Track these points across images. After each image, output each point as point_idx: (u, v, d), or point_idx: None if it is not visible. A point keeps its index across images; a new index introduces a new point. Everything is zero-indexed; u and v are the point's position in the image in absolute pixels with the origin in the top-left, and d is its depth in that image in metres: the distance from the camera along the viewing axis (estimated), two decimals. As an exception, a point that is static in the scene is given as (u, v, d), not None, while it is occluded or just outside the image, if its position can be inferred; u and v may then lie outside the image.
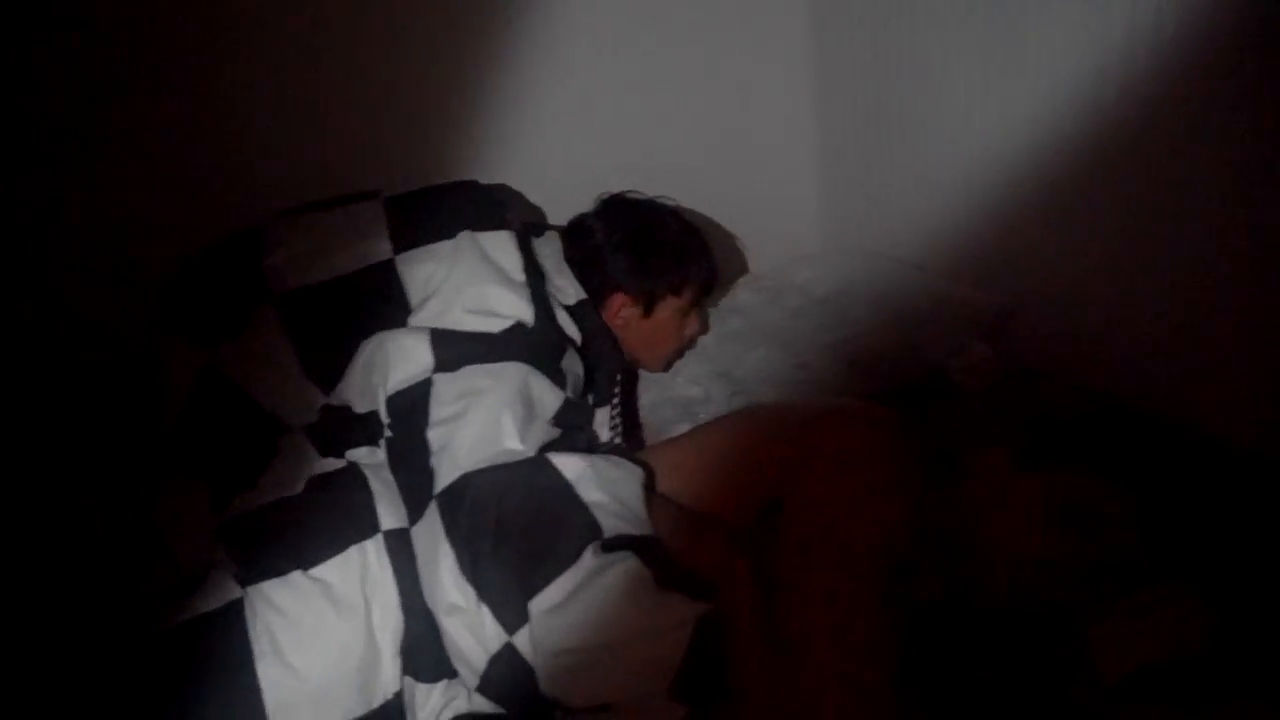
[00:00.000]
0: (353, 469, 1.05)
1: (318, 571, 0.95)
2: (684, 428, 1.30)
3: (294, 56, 1.38)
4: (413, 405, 1.05)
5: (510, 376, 1.05)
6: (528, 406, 1.04)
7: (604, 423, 1.24)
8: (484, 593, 0.90)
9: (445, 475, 0.96)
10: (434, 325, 1.12)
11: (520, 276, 1.18)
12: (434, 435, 1.01)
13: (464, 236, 1.19)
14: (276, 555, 0.96)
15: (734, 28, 1.62)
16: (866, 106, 1.58)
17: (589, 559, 0.88)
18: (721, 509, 1.01)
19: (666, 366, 1.43)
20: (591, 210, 1.39)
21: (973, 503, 0.98)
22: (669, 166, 1.53)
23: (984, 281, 1.40)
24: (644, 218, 1.37)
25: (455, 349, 1.08)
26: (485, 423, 1.00)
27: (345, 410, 1.12)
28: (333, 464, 1.07)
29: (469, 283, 1.15)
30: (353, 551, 0.96)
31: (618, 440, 1.24)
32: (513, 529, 0.92)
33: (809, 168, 1.76)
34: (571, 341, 1.19)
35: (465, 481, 0.95)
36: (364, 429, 1.10)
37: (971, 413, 1.22)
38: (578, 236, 1.35)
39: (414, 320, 1.14)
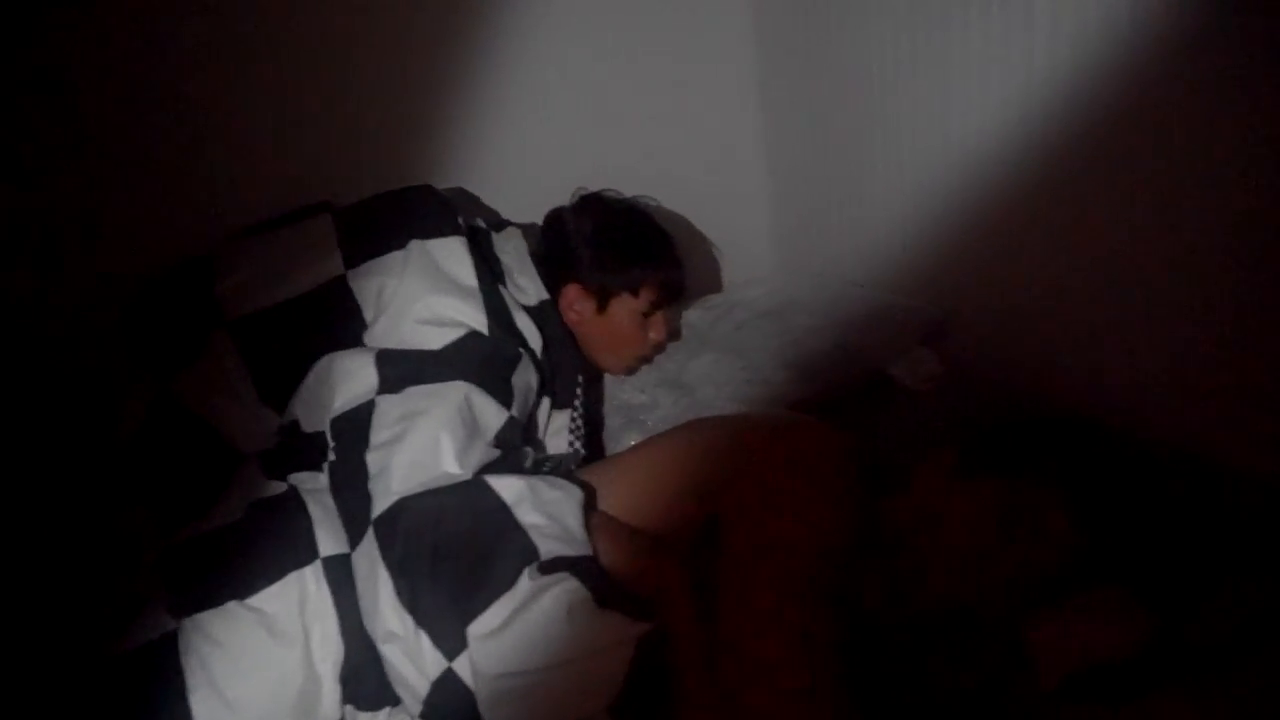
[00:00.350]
0: (292, 493, 1.03)
1: (255, 600, 0.94)
2: (632, 435, 1.31)
3: (270, 66, 1.37)
4: (354, 428, 1.04)
5: (451, 396, 1.04)
6: (469, 426, 1.03)
7: (564, 426, 1.23)
8: (421, 619, 0.89)
9: (381, 500, 0.95)
10: (382, 345, 1.11)
11: (472, 283, 1.17)
12: (372, 459, 1.00)
13: (414, 246, 1.18)
14: (212, 585, 0.94)
15: (680, 54, 1.65)
16: (811, 133, 1.61)
17: (525, 582, 0.88)
18: (663, 525, 1.00)
19: (630, 370, 1.42)
20: (568, 204, 1.40)
21: (914, 508, 0.99)
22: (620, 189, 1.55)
23: (928, 294, 1.43)
24: (613, 215, 1.37)
25: (400, 368, 1.07)
26: (422, 446, 0.99)
27: (294, 429, 1.11)
28: (275, 488, 1.06)
29: (420, 294, 1.14)
30: (291, 579, 0.95)
31: (578, 444, 1.24)
32: (449, 553, 0.91)
33: (758, 193, 1.80)
34: (528, 348, 1.19)
35: (400, 506, 0.94)
36: (310, 451, 1.09)
37: (915, 417, 1.23)
38: (549, 227, 1.38)
39: (367, 337, 1.13)
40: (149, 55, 1.29)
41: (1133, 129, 1.05)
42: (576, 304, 1.33)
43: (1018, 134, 1.19)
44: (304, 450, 1.09)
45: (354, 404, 1.06)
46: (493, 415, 1.06)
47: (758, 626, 0.88)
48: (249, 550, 0.96)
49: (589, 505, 1.01)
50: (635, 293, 1.33)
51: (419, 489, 0.95)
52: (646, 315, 1.36)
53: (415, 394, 1.05)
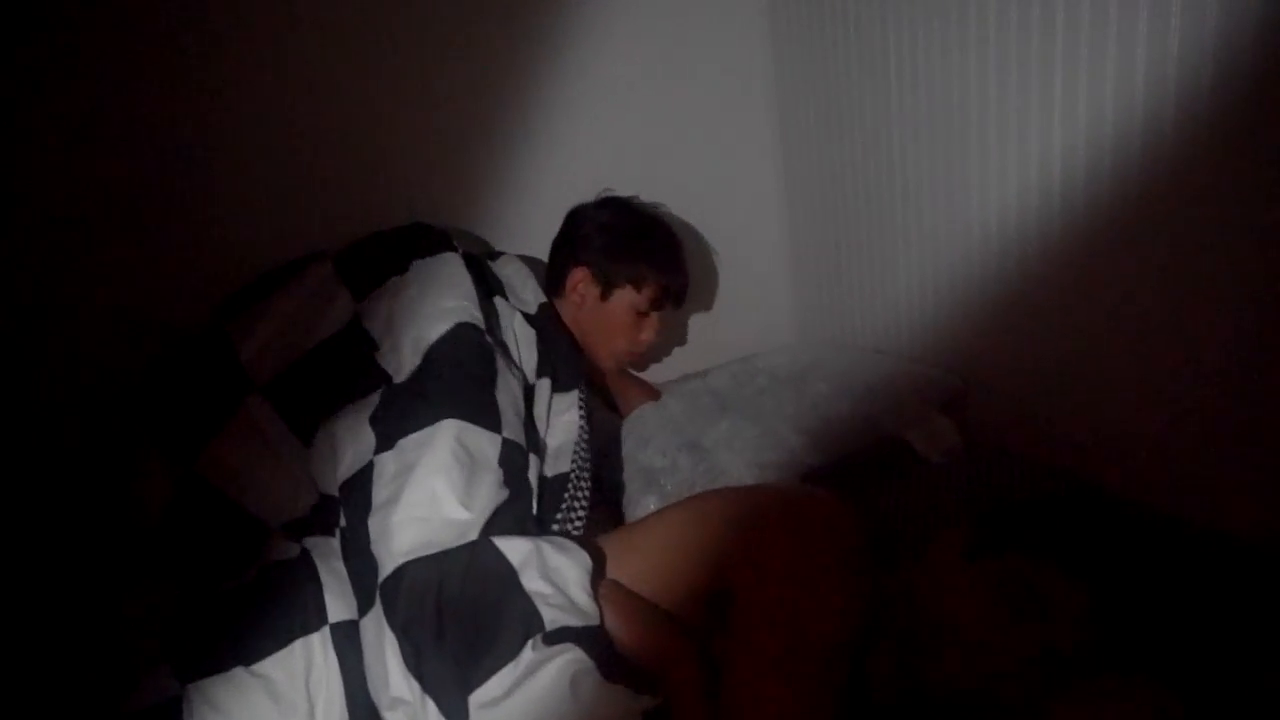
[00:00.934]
0: (304, 558, 1.03)
1: (260, 667, 0.94)
2: (650, 499, 1.30)
3: (263, 99, 1.41)
4: (359, 492, 1.03)
5: (440, 441, 1.02)
6: (465, 465, 1.01)
7: (573, 404, 1.25)
8: (427, 685, 0.88)
9: (385, 565, 0.95)
10: (388, 366, 1.11)
11: (467, 285, 1.19)
12: (373, 523, 0.99)
13: (413, 266, 1.21)
14: (219, 650, 0.94)
15: (702, 122, 1.69)
16: (833, 201, 1.63)
17: (529, 653, 0.87)
18: (674, 597, 0.99)
19: (616, 363, 1.48)
20: (592, 201, 1.49)
21: (926, 586, 0.97)
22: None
23: (949, 362, 1.43)
24: (631, 212, 1.46)
25: (390, 423, 1.06)
26: (418, 502, 0.97)
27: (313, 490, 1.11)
28: (289, 551, 1.06)
29: (417, 298, 1.16)
30: (297, 646, 0.95)
31: (585, 424, 1.24)
32: (453, 618, 0.90)
33: (780, 260, 1.84)
34: (509, 356, 1.19)
35: (401, 571, 0.93)
36: (326, 514, 1.09)
37: (932, 488, 1.21)
38: (569, 218, 1.48)
39: (379, 358, 1.13)
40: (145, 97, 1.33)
41: (1154, 201, 1.05)
42: (581, 286, 1.41)
43: (1039, 205, 1.19)
44: (321, 513, 1.09)
45: (357, 467, 1.05)
46: (487, 444, 1.05)
47: (764, 710, 0.86)
48: (257, 615, 0.96)
49: (597, 572, 1.00)
50: (638, 287, 1.41)
51: (423, 548, 0.94)
52: (643, 313, 1.42)
53: (407, 446, 1.03)
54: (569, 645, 0.88)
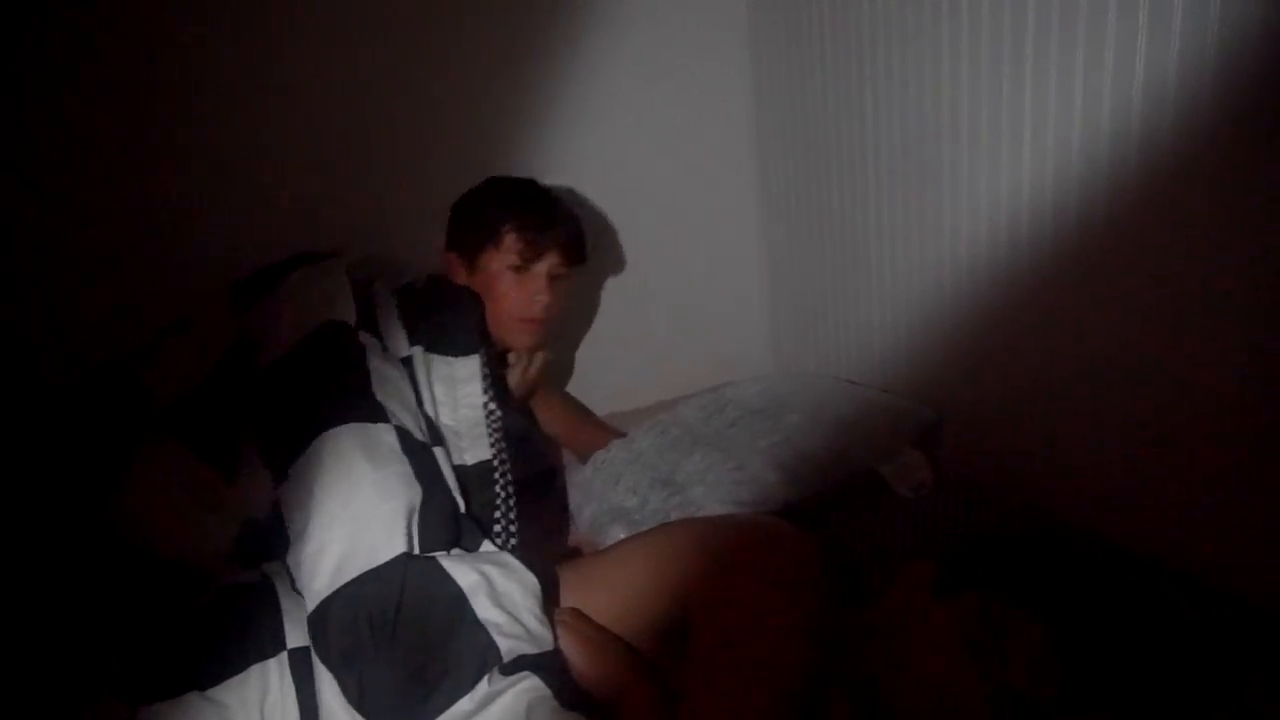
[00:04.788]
0: (264, 583, 1.01)
1: (215, 692, 0.92)
2: (618, 529, 1.29)
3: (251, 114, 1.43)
4: (276, 531, 1.01)
5: (329, 454, 0.98)
6: (365, 468, 0.97)
7: (475, 374, 1.20)
8: (372, 716, 0.86)
9: (310, 603, 0.92)
10: (265, 375, 1.10)
11: (340, 283, 1.19)
12: (291, 561, 0.97)
13: (296, 273, 1.22)
14: (171, 673, 0.92)
15: (681, 151, 1.71)
16: (809, 232, 1.65)
17: (484, 686, 0.86)
18: (635, 626, 0.98)
19: (529, 337, 1.38)
20: None
21: (890, 623, 0.96)
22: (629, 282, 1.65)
23: (923, 395, 1.43)
24: (484, 183, 1.40)
25: (275, 450, 1.03)
26: (324, 529, 0.94)
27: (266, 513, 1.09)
28: (247, 575, 1.04)
29: (299, 295, 1.17)
30: (254, 671, 0.93)
31: (492, 404, 1.19)
32: (397, 645, 0.88)
33: (756, 291, 1.84)
34: (378, 332, 1.18)
35: (324, 608, 0.91)
36: (279, 537, 1.05)
37: (903, 522, 1.21)
38: None
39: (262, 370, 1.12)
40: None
41: (1129, 235, 1.06)
42: (451, 269, 1.37)
43: (1011, 239, 1.20)
44: (272, 535, 1.05)
45: (269, 505, 1.04)
46: (380, 435, 1.02)
47: None
48: (213, 638, 0.95)
49: (547, 594, 0.98)
50: (497, 244, 1.33)
51: (342, 577, 0.91)
52: (520, 270, 1.34)
53: (298, 471, 1.00)
54: (526, 674, 0.87)
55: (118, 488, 1.08)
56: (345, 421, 1.01)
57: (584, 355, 1.75)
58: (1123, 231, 1.06)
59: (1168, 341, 1.04)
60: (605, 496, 1.37)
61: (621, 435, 1.50)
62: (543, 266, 1.35)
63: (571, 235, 1.38)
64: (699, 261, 1.77)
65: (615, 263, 1.72)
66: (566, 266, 1.38)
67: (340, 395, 1.05)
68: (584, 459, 1.49)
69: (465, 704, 0.85)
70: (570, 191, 1.59)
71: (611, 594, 1.00)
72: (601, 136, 1.62)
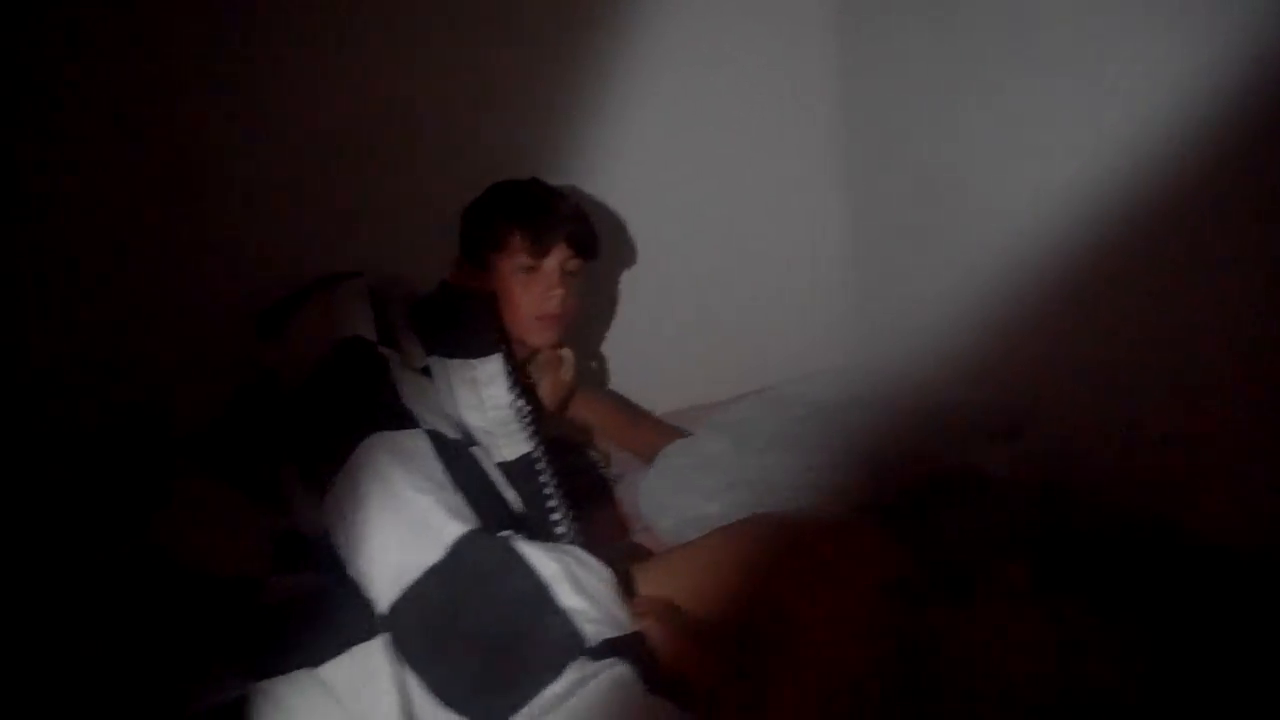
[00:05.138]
0: None
1: (323, 670, 0.96)
2: (691, 533, 1.29)
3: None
4: (327, 549, 1.05)
5: (365, 464, 1.02)
6: (402, 472, 1.01)
7: (499, 373, 1.22)
8: (464, 710, 0.90)
9: (379, 609, 0.96)
10: (292, 398, 1.13)
11: (360, 301, 1.22)
12: (352, 573, 1.00)
13: (312, 298, 1.25)
14: (284, 652, 0.98)
15: (766, 143, 1.69)
16: (896, 225, 1.65)
17: (572, 671, 0.89)
18: (715, 618, 1.01)
19: (542, 335, 1.37)
20: None
21: (976, 628, 0.96)
22: (694, 273, 1.62)
23: (1002, 390, 1.43)
24: (490, 189, 1.39)
25: (314, 467, 1.07)
26: (375, 536, 0.98)
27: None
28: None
29: (319, 316, 1.20)
30: (357, 651, 0.97)
31: (520, 401, 1.21)
32: (473, 642, 0.91)
33: (840, 284, 1.81)
34: (413, 325, 1.22)
35: (394, 613, 0.95)
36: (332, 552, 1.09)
37: (984, 519, 1.21)
38: None
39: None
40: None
41: (1222, 232, 1.05)
42: (463, 276, 1.37)
43: (1099, 232, 1.20)
44: (320, 552, 1.09)
45: (317, 524, 1.08)
46: (411, 441, 1.05)
47: None
48: (320, 620, 0.99)
49: (622, 583, 1.01)
50: (503, 246, 1.33)
51: (402, 581, 0.95)
52: (530, 268, 1.34)
53: (339, 486, 1.03)
54: (614, 660, 0.90)
55: (154, 515, 1.12)
56: (377, 430, 1.04)
57: (646, 350, 1.73)
58: (1220, 227, 1.05)
59: (1261, 331, 1.04)
60: (682, 506, 1.36)
61: (677, 432, 1.51)
62: (552, 262, 1.34)
63: (578, 228, 1.37)
64: (771, 254, 1.74)
65: (678, 256, 1.70)
66: (577, 260, 1.37)
67: (369, 406, 1.08)
68: (641, 458, 1.50)
69: (555, 688, 0.87)
70: (622, 187, 1.60)
71: (692, 586, 1.03)
72: (666, 107, 1.61)
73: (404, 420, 1.07)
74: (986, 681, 0.94)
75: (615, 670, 0.89)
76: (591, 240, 1.39)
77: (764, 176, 1.71)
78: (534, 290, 1.34)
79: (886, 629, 0.94)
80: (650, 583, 1.04)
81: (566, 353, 1.44)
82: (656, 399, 1.71)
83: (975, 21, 1.37)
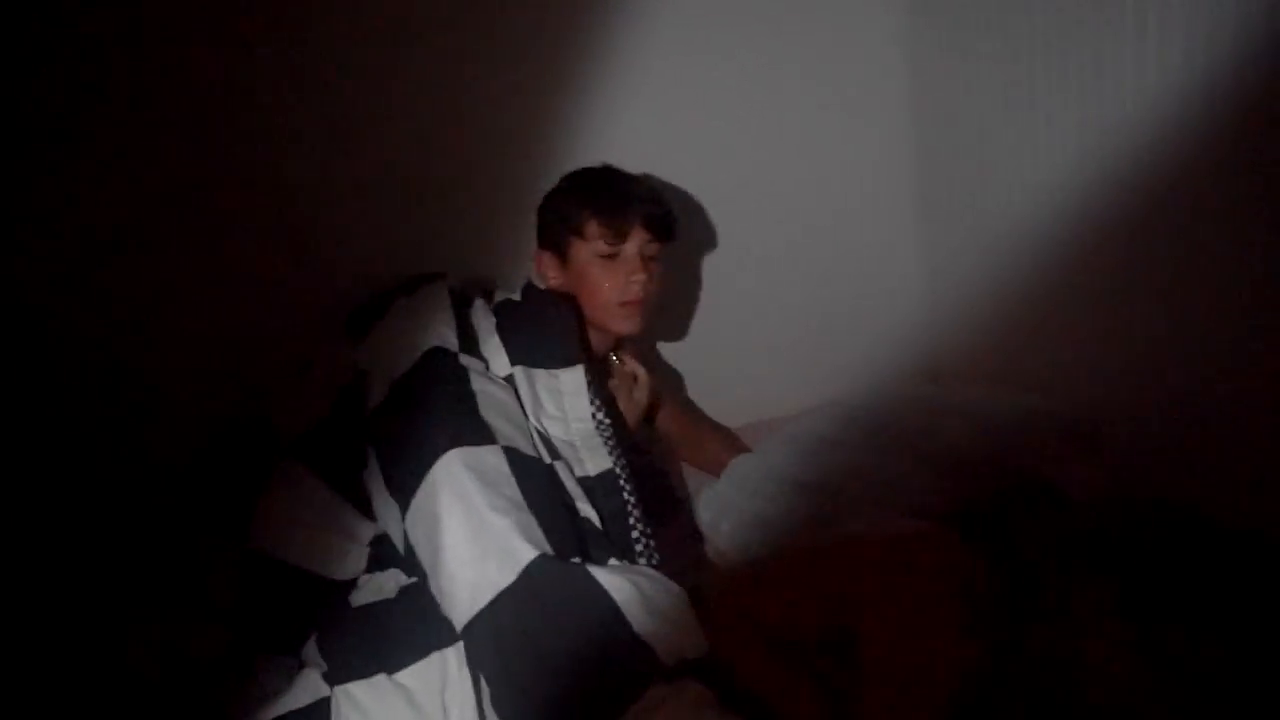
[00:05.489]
0: None
1: (401, 676, 1.00)
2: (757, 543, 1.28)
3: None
4: (411, 563, 1.09)
5: (443, 481, 1.04)
6: (479, 490, 1.02)
7: (581, 386, 1.22)
8: None
9: (458, 625, 0.98)
10: (377, 413, 1.15)
11: (443, 309, 1.23)
12: (434, 588, 1.03)
13: (395, 305, 1.27)
14: (364, 657, 1.01)
15: (837, 144, 1.65)
16: (969, 231, 1.60)
17: (652, 693, 0.88)
18: (792, 634, 0.99)
19: (626, 322, 1.34)
20: None
21: (1068, 643, 0.93)
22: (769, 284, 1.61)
23: (1085, 399, 1.37)
24: (563, 178, 1.38)
25: (397, 484, 1.09)
26: (453, 556, 1.00)
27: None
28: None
29: (393, 338, 1.21)
30: (434, 658, 1.00)
31: (600, 415, 1.22)
32: (547, 667, 0.91)
33: (913, 291, 1.76)
34: (498, 333, 1.23)
35: (469, 630, 0.97)
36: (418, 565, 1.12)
37: (1070, 531, 1.16)
38: None
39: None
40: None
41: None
42: (543, 267, 1.37)
43: (1185, 238, 1.14)
44: (405, 564, 1.13)
45: (400, 539, 1.12)
46: (488, 457, 1.06)
47: None
48: (399, 627, 1.03)
49: (695, 601, 1.01)
50: (582, 232, 1.31)
51: (478, 600, 0.96)
52: (608, 255, 1.31)
53: (418, 504, 1.06)
54: (690, 680, 0.89)
55: (256, 512, 1.15)
56: (455, 446, 1.05)
57: (719, 363, 1.71)
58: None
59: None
60: (742, 507, 1.34)
61: (746, 448, 1.49)
62: (632, 248, 1.32)
63: (655, 211, 1.34)
64: (843, 265, 1.71)
65: (751, 267, 1.69)
66: (656, 243, 1.35)
67: (448, 422, 1.09)
68: (706, 471, 1.48)
69: (630, 714, 0.87)
70: (692, 188, 1.59)
71: (768, 601, 1.02)
72: (736, 105, 1.58)
73: (482, 435, 1.09)
74: (1069, 699, 0.92)
75: (691, 689, 0.88)
76: (669, 222, 1.37)
77: (834, 190, 1.68)
78: (615, 276, 1.32)
79: (965, 642, 0.91)
80: (725, 598, 1.04)
81: (642, 374, 1.44)
82: (729, 412, 1.70)
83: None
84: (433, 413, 1.11)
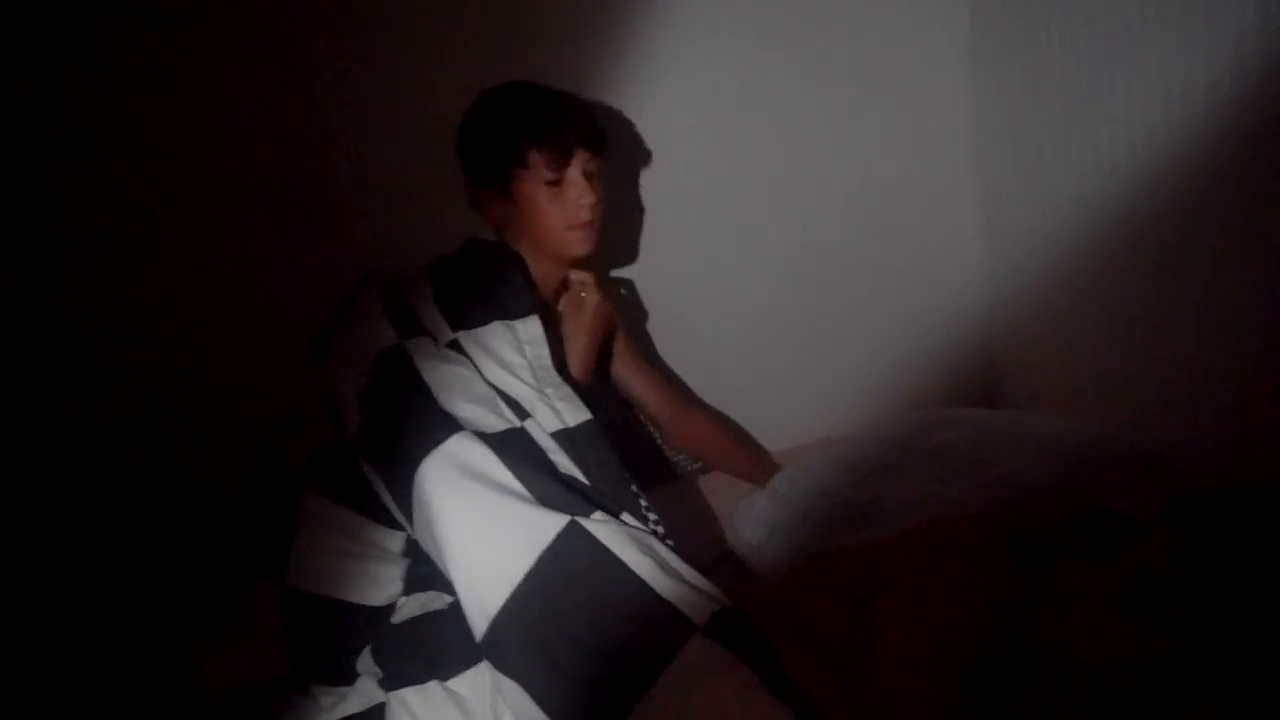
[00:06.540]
0: None
1: (453, 683, 1.02)
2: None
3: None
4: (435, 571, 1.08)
5: (431, 489, 1.02)
6: (471, 486, 1.01)
7: (540, 335, 1.19)
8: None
9: (477, 629, 0.98)
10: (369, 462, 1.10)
11: (375, 310, 1.17)
12: (451, 577, 1.02)
13: (337, 324, 1.21)
14: (418, 665, 1.03)
15: (898, 152, 1.67)
16: (1033, 250, 1.59)
17: (693, 651, 0.89)
18: (820, 634, 0.98)
19: (580, 245, 1.29)
20: None
21: (1075, 638, 0.90)
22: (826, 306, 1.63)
23: (1146, 425, 1.34)
24: (476, 104, 1.30)
25: (398, 495, 1.06)
26: (460, 562, 0.99)
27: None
28: None
29: (341, 357, 1.16)
30: (484, 665, 1.02)
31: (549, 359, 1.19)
32: (575, 656, 0.92)
33: (976, 310, 1.75)
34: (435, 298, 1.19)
35: (490, 639, 0.97)
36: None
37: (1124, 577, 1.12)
38: None
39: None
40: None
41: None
42: (485, 206, 1.30)
43: (1257, 257, 1.13)
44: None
45: (415, 551, 1.12)
46: (469, 447, 1.03)
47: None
48: (451, 635, 1.05)
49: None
50: (523, 163, 1.25)
51: (496, 606, 0.96)
52: (552, 181, 1.26)
53: (418, 517, 1.04)
54: (734, 661, 0.89)
55: (290, 555, 1.12)
56: (432, 446, 1.03)
57: (770, 385, 1.70)
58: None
59: None
60: (792, 528, 1.31)
61: (771, 461, 1.49)
62: (575, 170, 1.27)
63: (589, 126, 1.29)
64: (906, 275, 1.70)
65: (812, 288, 1.69)
66: (595, 159, 1.30)
67: (415, 429, 1.06)
68: (698, 455, 1.48)
69: (666, 680, 0.88)
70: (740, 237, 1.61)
71: (803, 600, 1.01)
72: (792, 105, 1.59)
73: (447, 428, 1.05)
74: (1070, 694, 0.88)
75: (737, 674, 0.88)
76: (602, 134, 1.31)
77: (894, 197, 1.67)
78: (563, 202, 1.27)
79: (974, 590, 0.91)
80: (756, 599, 1.03)
81: (583, 275, 1.36)
82: (779, 434, 1.70)
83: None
84: (403, 424, 1.07)
